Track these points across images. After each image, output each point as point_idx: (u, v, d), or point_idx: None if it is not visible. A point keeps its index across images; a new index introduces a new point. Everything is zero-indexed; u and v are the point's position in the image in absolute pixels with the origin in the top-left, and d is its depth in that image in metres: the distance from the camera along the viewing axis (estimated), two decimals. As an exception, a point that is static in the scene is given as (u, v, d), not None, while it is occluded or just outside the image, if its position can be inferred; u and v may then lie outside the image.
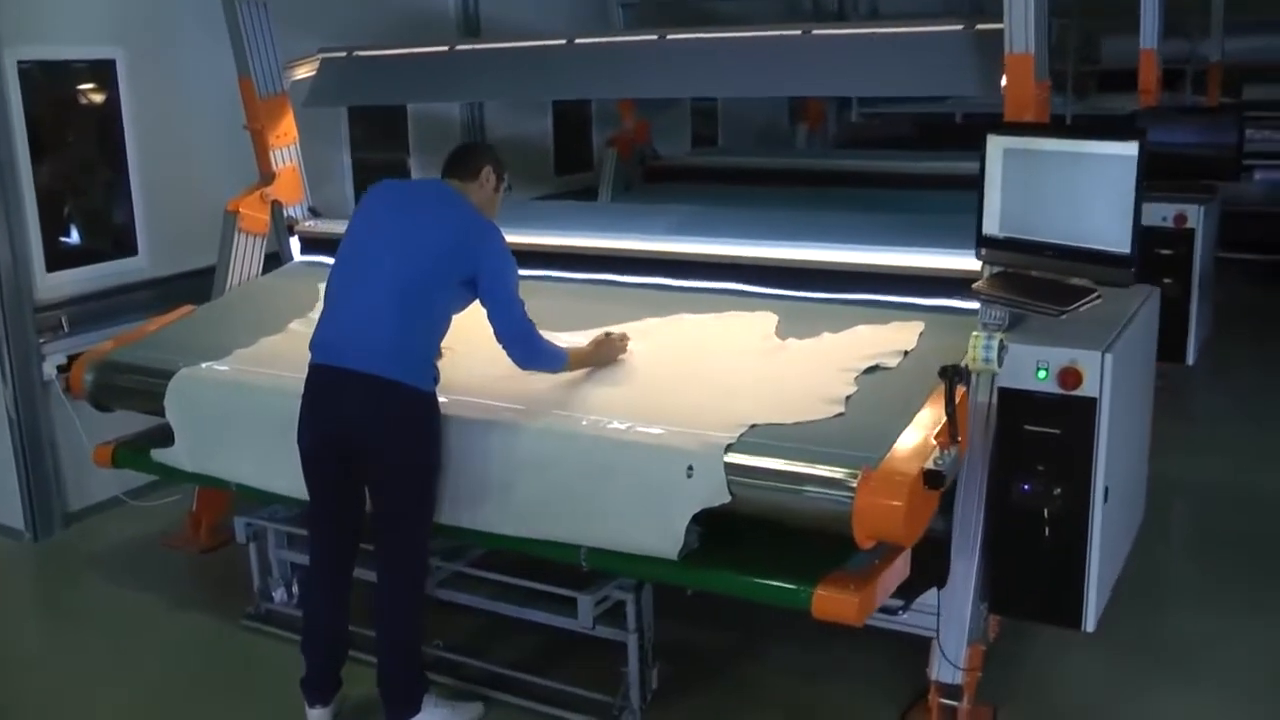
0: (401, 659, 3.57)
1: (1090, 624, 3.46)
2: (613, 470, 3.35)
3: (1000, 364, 3.33)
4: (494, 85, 5.21)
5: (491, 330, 3.54)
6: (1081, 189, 3.29)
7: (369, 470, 3.49)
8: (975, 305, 3.88)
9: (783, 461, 3.19)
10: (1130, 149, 3.17)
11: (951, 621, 3.52)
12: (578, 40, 4.89)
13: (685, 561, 3.27)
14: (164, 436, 4.40)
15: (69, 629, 4.56)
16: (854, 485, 3.05)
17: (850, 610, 3.13)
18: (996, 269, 3.60)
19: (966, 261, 3.94)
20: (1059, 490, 3.40)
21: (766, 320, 4.05)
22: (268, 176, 5.21)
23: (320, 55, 5.38)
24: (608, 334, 3.91)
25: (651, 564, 3.34)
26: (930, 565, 3.46)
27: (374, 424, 3.40)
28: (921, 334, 3.82)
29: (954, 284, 3.95)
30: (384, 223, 3.55)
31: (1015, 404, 3.41)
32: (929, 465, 3.11)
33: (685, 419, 3.42)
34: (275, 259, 5.35)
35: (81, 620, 4.60)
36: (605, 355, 3.85)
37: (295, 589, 4.48)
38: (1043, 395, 3.38)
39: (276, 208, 5.25)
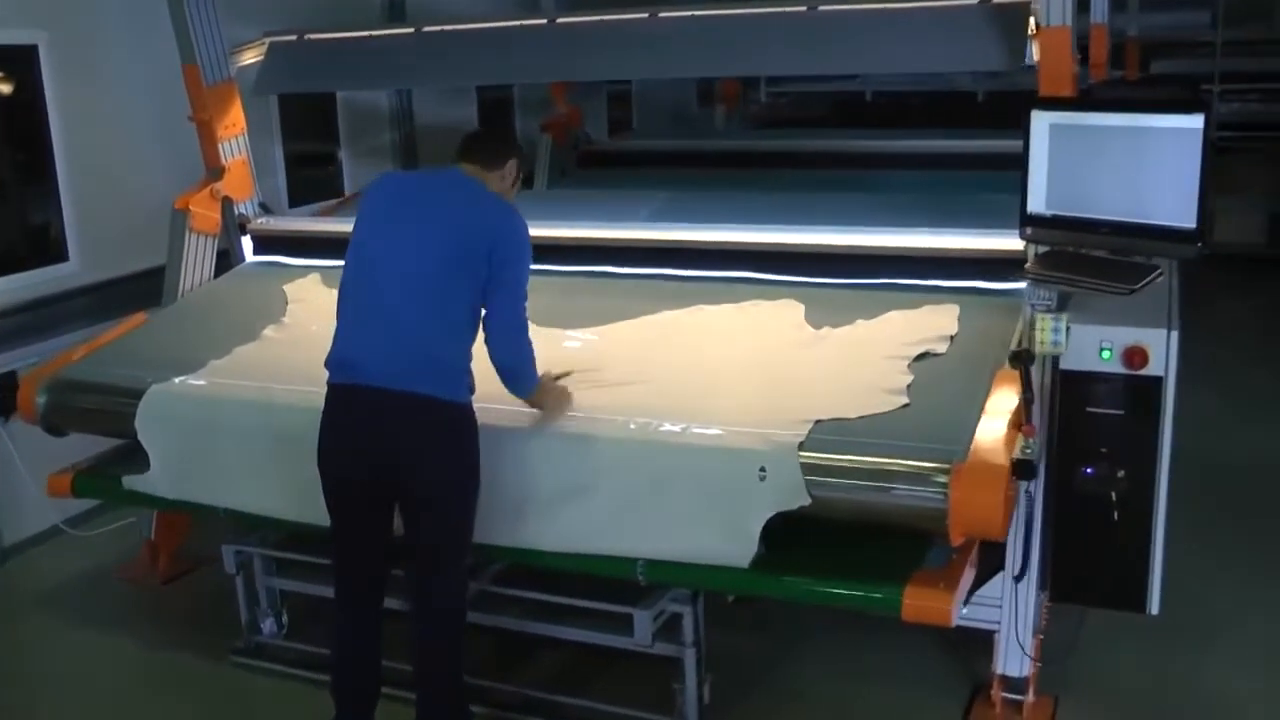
0: (446, 693, 3.29)
1: (1155, 607, 3.40)
2: (674, 477, 3.14)
3: (1066, 346, 3.24)
4: (456, 69, 4.91)
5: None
6: (1143, 163, 3.20)
7: (405, 494, 3.19)
8: (1003, 286, 3.84)
9: (862, 458, 3.03)
10: (1195, 121, 3.09)
11: (1016, 613, 3.43)
12: (559, 20, 4.62)
13: (755, 569, 3.09)
14: (128, 460, 4.02)
15: (27, 682, 4.09)
16: (946, 480, 2.91)
17: (945, 611, 3.00)
18: (1042, 248, 3.50)
19: (991, 241, 3.89)
20: (1123, 473, 3.33)
21: (792, 309, 3.88)
22: (217, 171, 4.80)
23: (267, 39, 4.98)
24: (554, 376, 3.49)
25: (719, 574, 3.14)
26: (988, 556, 3.35)
27: (410, 445, 3.09)
28: (959, 317, 3.70)
29: (981, 265, 3.86)
30: (396, 223, 3.19)
31: (1078, 386, 3.32)
32: (1017, 455, 2.99)
33: (741, 417, 3.23)
34: (224, 258, 4.94)
35: (41, 670, 4.15)
36: (555, 403, 3.38)
37: (285, 619, 4.15)
38: (1107, 376, 3.30)
39: (227, 204, 4.85)
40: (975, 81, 9.78)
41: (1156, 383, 3.25)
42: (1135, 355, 3.25)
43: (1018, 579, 3.33)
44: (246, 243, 4.95)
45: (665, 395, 3.44)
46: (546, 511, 3.27)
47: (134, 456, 3.97)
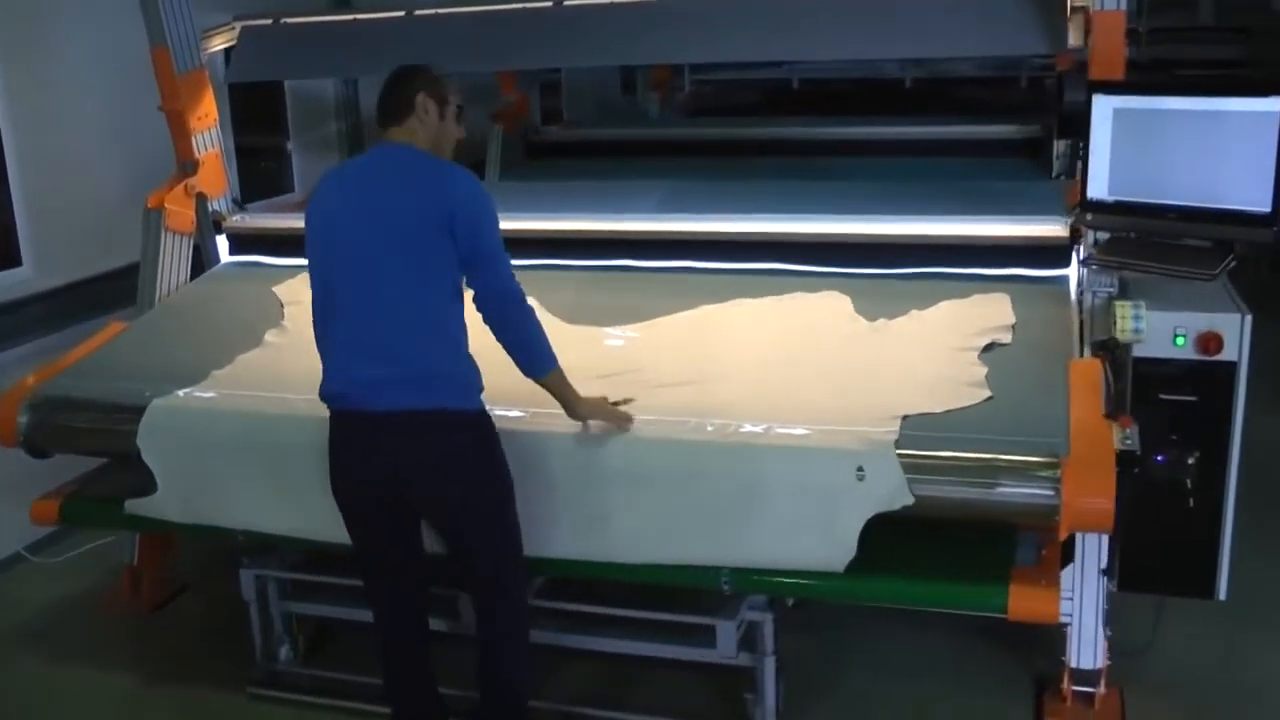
0: (515, 716, 3.10)
1: (1223, 593, 3.40)
2: (762, 480, 2.99)
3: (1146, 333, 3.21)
4: (447, 55, 4.63)
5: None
6: (1216, 147, 3.19)
7: (433, 514, 3.01)
8: (1047, 273, 3.79)
9: (963, 454, 2.93)
10: (1273, 104, 3.09)
11: (1089, 605, 3.38)
12: (565, 3, 4.41)
13: (849, 573, 2.97)
14: (113, 480, 3.78)
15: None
16: (1057, 475, 2.83)
17: (1052, 607, 2.95)
18: (1102, 235, 3.47)
19: (1035, 228, 3.84)
20: (1194, 459, 3.30)
21: (840, 301, 3.76)
22: (190, 165, 4.46)
23: (238, 23, 4.65)
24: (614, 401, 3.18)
25: (812, 580, 3.02)
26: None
27: (427, 464, 2.87)
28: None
29: (1025, 252, 3.81)
30: (342, 230, 2.89)
31: (1150, 373, 3.29)
32: (1119, 446, 2.93)
33: (820, 416, 3.11)
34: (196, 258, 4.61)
35: (37, 714, 3.78)
36: (602, 412, 3.09)
37: (302, 644, 3.88)
38: (1180, 363, 3.28)
39: (201, 201, 4.51)
40: (903, 69, 9.83)
41: (1231, 368, 3.25)
42: (1210, 341, 3.24)
43: (1105, 573, 3.28)
44: (221, 242, 4.62)
45: (729, 395, 3.28)
46: (621, 521, 3.09)
47: (122, 477, 3.70)
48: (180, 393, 3.59)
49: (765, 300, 3.83)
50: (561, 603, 3.39)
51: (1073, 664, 3.43)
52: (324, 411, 3.18)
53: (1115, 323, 3.20)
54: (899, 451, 2.92)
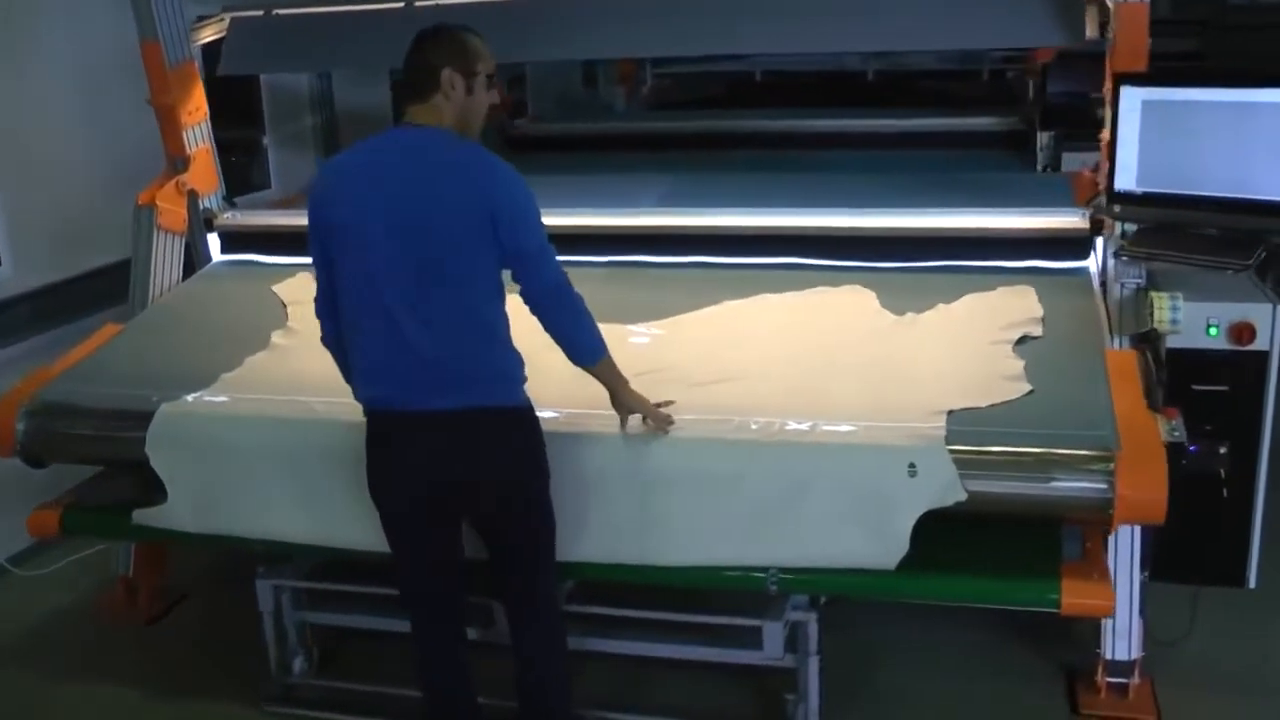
0: None
1: (1253, 581, 3.43)
2: (812, 479, 2.94)
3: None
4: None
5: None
6: (1249, 138, 3.20)
7: (477, 513, 2.90)
8: (1066, 265, 3.79)
9: (1015, 449, 2.91)
10: (1308, 95, 3.10)
11: (1124, 596, 3.38)
12: (563, -8, 4.32)
13: (899, 570, 2.93)
14: (114, 489, 3.66)
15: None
16: (1111, 469, 2.81)
17: (1106, 600, 2.94)
18: (1132, 226, 3.46)
19: (1055, 220, 3.84)
20: (1225, 449, 3.32)
21: (864, 295, 3.73)
22: (181, 161, 4.31)
23: (227, 15, 4.49)
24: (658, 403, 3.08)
25: (862, 578, 2.97)
26: None
27: (476, 463, 2.76)
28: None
29: (1044, 244, 3.81)
30: (367, 227, 2.67)
31: (1183, 363, 3.30)
32: (1168, 439, 2.93)
33: (863, 412, 3.07)
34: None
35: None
36: (646, 408, 3.00)
37: (316, 655, 3.76)
38: (1213, 353, 3.29)
39: (193, 199, 4.36)
40: (864, 61, 9.85)
41: (1263, 358, 3.26)
42: (1243, 331, 3.25)
43: (1144, 565, 3.28)
44: (213, 240, 4.48)
45: (766, 392, 3.23)
46: (667, 524, 3.02)
47: (121, 485, 3.63)
48: (189, 397, 3.45)
49: (789, 295, 3.79)
50: (597, 607, 3.31)
51: (1107, 655, 3.44)
52: (346, 414, 3.11)
53: (1153, 314, 3.19)
54: (949, 447, 2.89)
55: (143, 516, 3.42)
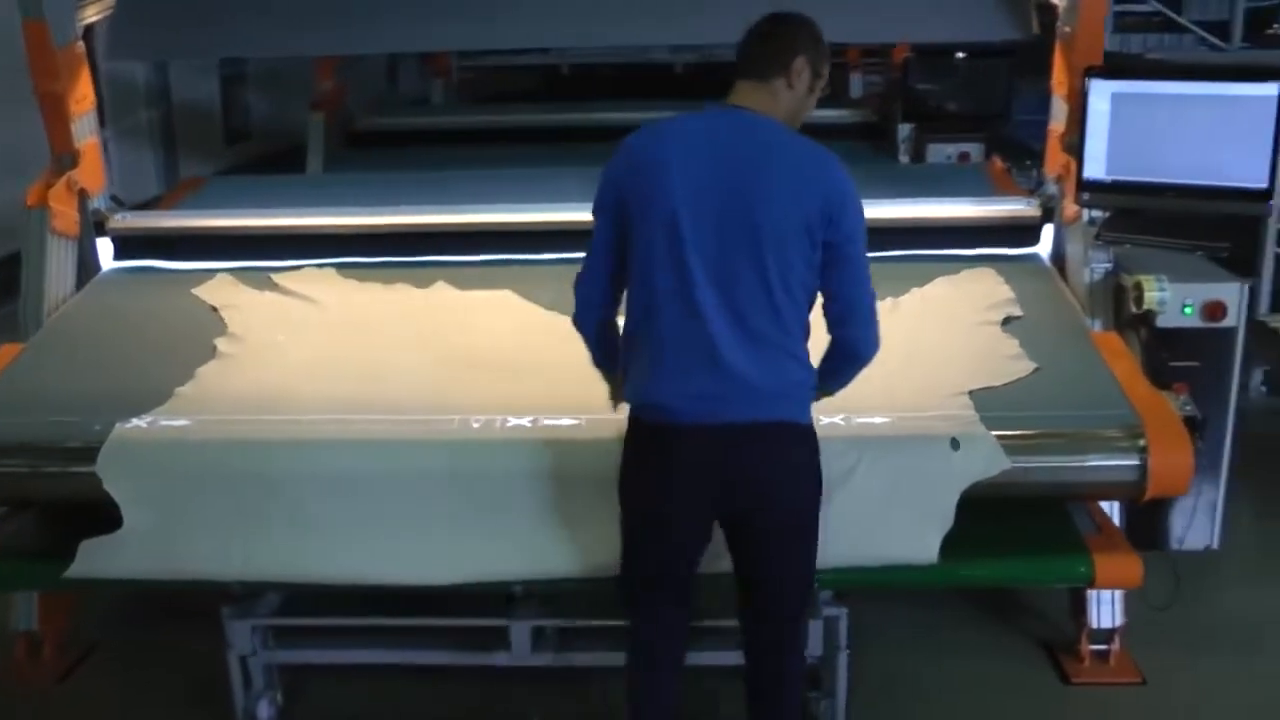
0: None
1: (1216, 543, 3.65)
2: (853, 471, 2.89)
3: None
4: (365, 34, 4.24)
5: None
6: (1216, 129, 3.39)
7: (753, 532, 2.64)
8: (1015, 251, 3.93)
9: (1049, 429, 2.97)
10: (1270, 89, 3.31)
11: (1108, 567, 3.52)
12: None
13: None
14: (20, 533, 3.25)
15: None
16: (1143, 445, 2.91)
17: (1135, 572, 3.03)
18: (1100, 212, 3.61)
19: (1007, 208, 3.97)
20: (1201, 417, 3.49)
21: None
22: (69, 157, 3.82)
23: (113, -8, 4.03)
24: None
25: (902, 568, 2.96)
26: None
27: (769, 482, 2.55)
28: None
29: (998, 231, 3.93)
30: (684, 216, 2.43)
31: (1164, 341, 3.46)
32: (1183, 413, 3.06)
33: (883, 399, 3.05)
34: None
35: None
36: None
37: (280, 698, 3.41)
38: (1188, 331, 3.46)
39: (83, 199, 3.88)
40: (673, 53, 9.96)
41: (1232, 333, 3.47)
42: (1215, 309, 3.44)
43: (1161, 530, 3.41)
44: (104, 245, 4.01)
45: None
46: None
47: (24, 528, 3.24)
48: (144, 421, 3.06)
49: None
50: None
51: (1093, 624, 3.57)
52: (338, 433, 2.98)
53: (1143, 297, 3.33)
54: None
55: (91, 563, 2.98)
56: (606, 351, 2.71)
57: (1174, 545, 3.64)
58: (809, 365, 2.56)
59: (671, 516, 2.60)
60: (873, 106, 6.87)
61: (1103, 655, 3.59)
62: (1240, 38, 7.80)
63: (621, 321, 2.64)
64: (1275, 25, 7.63)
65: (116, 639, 3.85)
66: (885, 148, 6.58)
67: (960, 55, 6.44)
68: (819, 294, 2.53)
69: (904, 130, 6.37)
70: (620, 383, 2.68)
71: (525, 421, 3.04)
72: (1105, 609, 3.55)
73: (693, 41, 7.12)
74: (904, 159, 6.47)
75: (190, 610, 3.78)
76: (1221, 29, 7.93)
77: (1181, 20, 8.00)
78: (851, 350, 2.59)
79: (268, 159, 7.09)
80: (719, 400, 2.47)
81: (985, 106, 6.26)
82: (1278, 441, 4.74)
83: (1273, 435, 4.58)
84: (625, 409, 2.66)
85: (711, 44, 8.43)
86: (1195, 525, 3.61)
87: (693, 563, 2.68)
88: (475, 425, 3.03)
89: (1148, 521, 3.63)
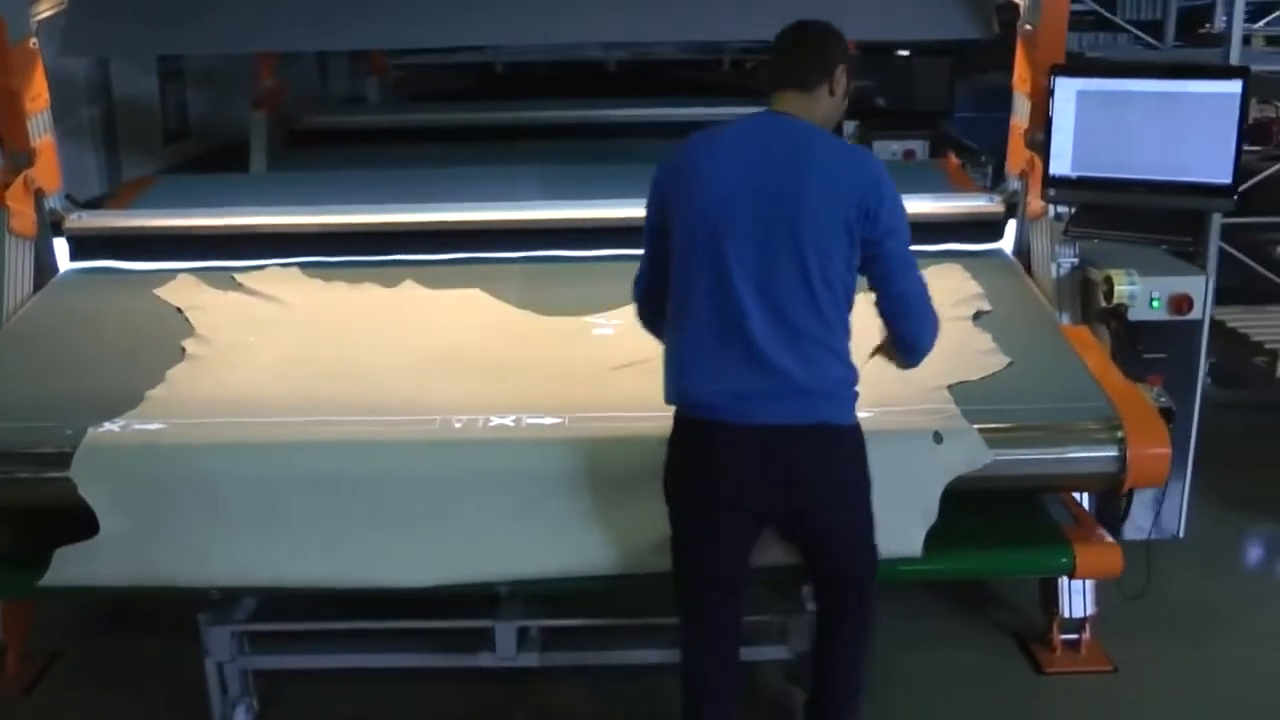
0: None
1: (1182, 531, 3.73)
2: None
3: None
4: (323, 30, 4.17)
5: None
6: (1180, 125, 3.47)
7: (807, 531, 2.67)
8: (978, 247, 3.99)
9: (1028, 423, 3.02)
10: (1234, 86, 3.40)
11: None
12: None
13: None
14: None
15: None
16: (1122, 437, 2.97)
17: (1115, 562, 3.09)
18: (1066, 209, 3.68)
19: (971, 204, 4.02)
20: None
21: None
22: (24, 156, 3.71)
23: (64, -15, 3.92)
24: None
25: (890, 564, 2.97)
26: None
27: (813, 484, 2.56)
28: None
29: (962, 227, 3.99)
30: (731, 216, 2.47)
31: (1132, 335, 3.53)
32: (1159, 404, 3.12)
33: (866, 396, 3.05)
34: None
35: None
36: None
37: (256, 704, 3.35)
38: (1154, 323, 3.54)
39: (40, 198, 3.78)
40: (607, 51, 9.94)
41: (1197, 325, 3.55)
42: (1182, 302, 3.52)
43: (1122, 519, 3.47)
44: (60, 245, 3.90)
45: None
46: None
47: None
48: (116, 425, 2.99)
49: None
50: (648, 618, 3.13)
51: (1064, 614, 3.63)
52: (321, 434, 2.94)
53: (1113, 291, 3.40)
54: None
55: (65, 570, 2.91)
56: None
57: (1136, 535, 3.72)
58: (851, 363, 2.57)
59: (717, 515, 2.60)
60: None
61: (1074, 645, 3.65)
62: (1174, 37, 8.00)
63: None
64: (1207, 25, 7.80)
65: (78, 647, 3.75)
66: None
67: (903, 53, 6.52)
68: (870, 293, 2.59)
69: (849, 128, 6.43)
70: None
71: (508, 421, 3.01)
72: (1077, 599, 3.61)
73: (627, 39, 7.10)
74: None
75: (152, 616, 3.76)
76: (1155, 28, 8.12)
77: (1116, 19, 8.16)
78: (911, 343, 2.64)
79: (208, 158, 6.93)
80: (760, 399, 2.47)
81: (929, 104, 6.34)
82: (1226, 433, 4.87)
83: (1221, 427, 4.70)
84: None
85: (645, 41, 8.54)
86: (1164, 513, 3.69)
87: (742, 561, 2.67)
88: (457, 425, 3.01)
89: (1104, 511, 3.71)
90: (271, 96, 6.66)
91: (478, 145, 6.58)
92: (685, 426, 2.58)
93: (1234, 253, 5.03)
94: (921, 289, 2.60)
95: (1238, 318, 4.80)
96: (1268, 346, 4.77)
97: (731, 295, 2.46)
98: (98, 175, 5.86)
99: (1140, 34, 8.11)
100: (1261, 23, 7.56)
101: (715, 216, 2.48)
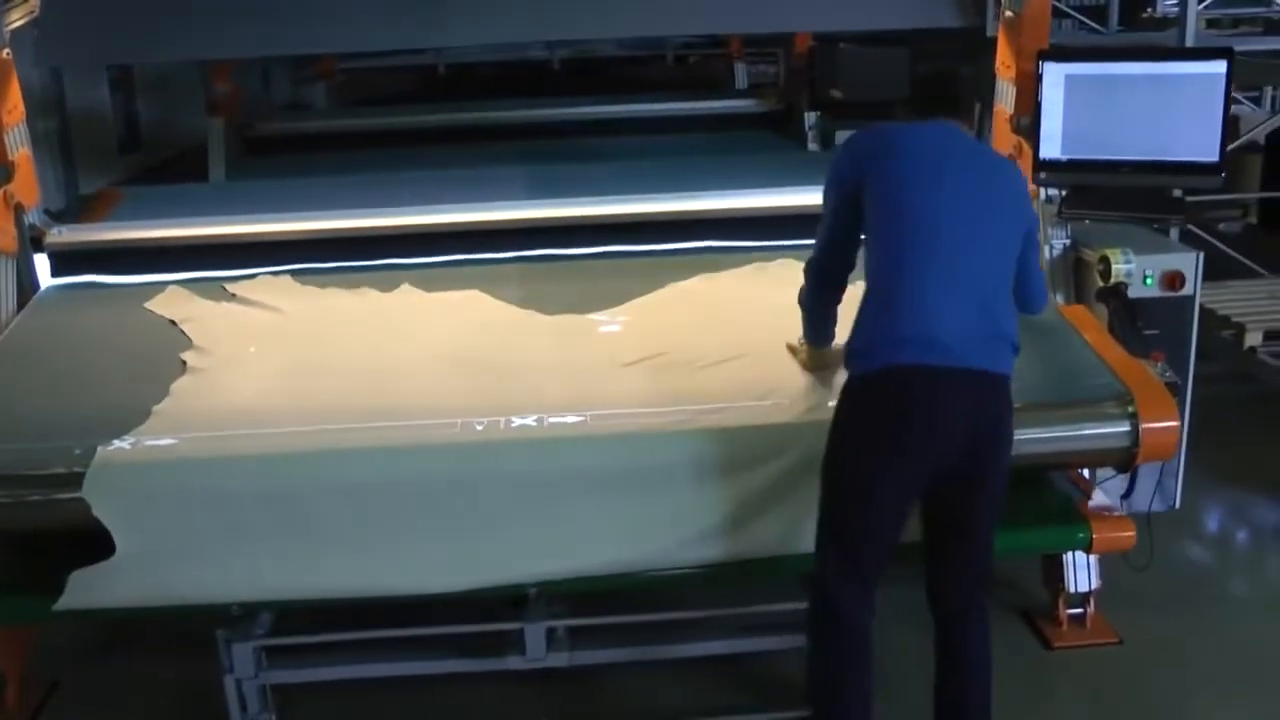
0: None
1: (1178, 503, 3.81)
2: None
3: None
4: (319, 34, 4.11)
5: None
6: (1167, 106, 3.54)
7: (969, 485, 2.74)
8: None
9: (1042, 401, 3.06)
10: (1219, 67, 3.47)
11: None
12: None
13: None
14: None
15: None
16: (1134, 412, 3.03)
17: (1130, 536, 3.15)
18: (1056, 191, 3.74)
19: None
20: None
21: (795, 269, 3.76)
22: (5, 170, 3.61)
23: (41, -7, 3.81)
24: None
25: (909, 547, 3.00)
26: None
27: (997, 429, 2.72)
28: None
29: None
30: (939, 187, 2.74)
31: (1133, 312, 3.59)
32: (1164, 380, 3.18)
33: None
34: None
35: None
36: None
37: (275, 719, 3.30)
38: (1148, 300, 3.61)
39: (19, 213, 3.67)
40: (549, 49, 9.91)
41: (1189, 301, 3.63)
42: (1175, 279, 3.59)
43: (1125, 497, 3.54)
44: (41, 261, 3.80)
45: (780, 370, 3.21)
46: (732, 522, 2.93)
47: None
48: (126, 443, 2.92)
49: (734, 272, 3.78)
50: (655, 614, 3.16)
51: (1070, 588, 3.69)
52: (350, 440, 2.91)
53: (1110, 270, 3.46)
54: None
55: (82, 593, 2.84)
56: (826, 322, 3.09)
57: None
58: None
59: (900, 468, 2.67)
60: (776, 95, 6.97)
61: (1079, 619, 3.72)
62: (1117, 22, 8.15)
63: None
64: (1149, 10, 7.95)
65: (78, 674, 3.66)
66: (793, 135, 6.68)
67: (862, 44, 6.56)
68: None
69: (811, 118, 6.47)
70: (827, 356, 3.10)
71: (530, 421, 2.99)
72: (1082, 573, 3.68)
73: (573, 37, 7.11)
74: (813, 146, 6.57)
75: (149, 638, 3.72)
76: (1099, 13, 8.26)
77: (1060, 5, 8.28)
78: (1036, 284, 3.00)
79: (163, 167, 6.79)
80: (969, 337, 2.66)
81: (889, 93, 6.39)
82: (1203, 408, 5.00)
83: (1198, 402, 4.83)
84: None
85: (587, 39, 8.54)
86: (1163, 487, 3.76)
87: (899, 527, 2.74)
88: (479, 427, 2.98)
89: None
90: (227, 103, 6.56)
91: (436, 148, 6.54)
92: (880, 379, 2.67)
93: (1197, 231, 5.16)
94: (1040, 274, 3.02)
95: (1203, 294, 4.91)
96: (1234, 320, 4.90)
97: (959, 248, 2.70)
98: (56, 189, 5.72)
99: (1084, 19, 8.25)
100: (1201, 5, 7.74)
101: (917, 194, 2.73)
